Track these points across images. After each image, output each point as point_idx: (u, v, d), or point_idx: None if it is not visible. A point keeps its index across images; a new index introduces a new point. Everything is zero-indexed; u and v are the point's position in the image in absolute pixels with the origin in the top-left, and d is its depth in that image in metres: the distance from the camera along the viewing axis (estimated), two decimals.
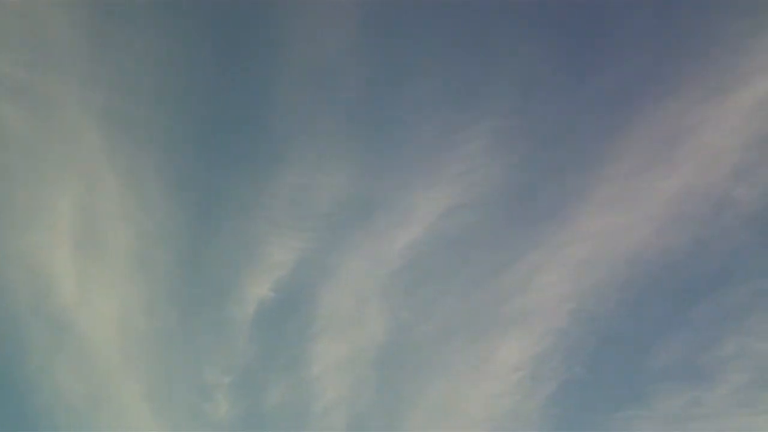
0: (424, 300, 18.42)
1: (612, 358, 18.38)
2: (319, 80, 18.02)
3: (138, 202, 18.01)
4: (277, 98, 18.01)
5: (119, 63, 17.63)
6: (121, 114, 17.84)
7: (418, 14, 17.78)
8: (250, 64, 17.98)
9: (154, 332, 18.21)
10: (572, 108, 18.40)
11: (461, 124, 18.03)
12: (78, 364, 18.00)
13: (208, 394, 18.19)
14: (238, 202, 18.22)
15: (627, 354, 18.40)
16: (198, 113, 18.03)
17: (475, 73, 18.06)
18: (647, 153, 18.31)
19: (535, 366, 18.14)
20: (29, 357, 17.75)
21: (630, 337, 18.42)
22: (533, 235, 18.41)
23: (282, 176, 18.14)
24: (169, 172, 18.05)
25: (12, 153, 17.51)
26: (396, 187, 18.23)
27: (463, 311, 18.30)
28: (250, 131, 18.19)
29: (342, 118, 18.13)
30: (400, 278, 18.35)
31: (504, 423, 17.93)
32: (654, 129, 18.33)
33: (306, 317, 18.33)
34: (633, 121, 18.32)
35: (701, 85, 18.26)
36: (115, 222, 17.90)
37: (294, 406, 18.14)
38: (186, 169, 18.21)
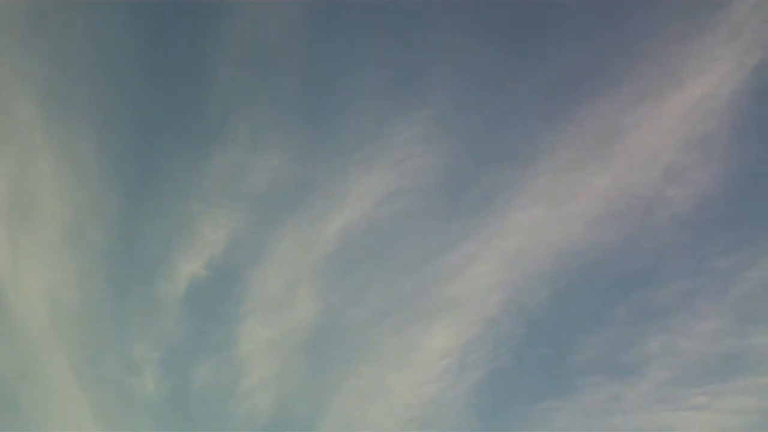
0: (356, 285, 18.56)
1: (538, 350, 18.67)
2: (259, 62, 18.03)
3: (72, 176, 17.95)
4: (216, 78, 17.97)
5: (58, 37, 17.53)
6: (59, 88, 17.75)
7: (360, 1, 17.89)
8: (190, 43, 17.93)
9: (84, 306, 18.21)
10: (509, 101, 18.57)
11: (399, 112, 18.15)
12: (5, 336, 17.97)
13: (136, 370, 18.25)
14: (173, 180, 18.23)
15: (553, 346, 18.69)
16: (137, 90, 17.98)
17: (415, 63, 18.16)
18: (582, 149, 18.55)
19: (463, 354, 18.35)
20: None
21: (557, 329, 18.71)
22: (467, 224, 18.60)
23: (218, 156, 18.18)
24: (105, 147, 18.00)
25: None
26: (332, 172, 18.33)
27: (395, 297, 18.46)
28: (188, 110, 18.17)
29: (280, 101, 18.16)
30: (333, 262, 18.48)
31: (430, 409, 18.16)
32: (589, 126, 18.56)
33: (237, 297, 18.40)
34: (569, 117, 18.54)
35: (639, 85, 18.50)
36: (48, 195, 17.84)
37: (221, 385, 18.25)
38: (122, 145, 18.18)
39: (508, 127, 18.63)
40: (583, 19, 18.42)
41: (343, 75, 18.06)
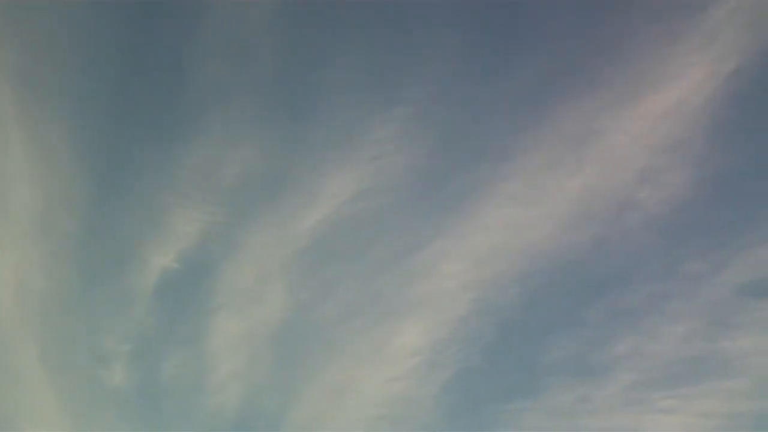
0: (327, 281, 18.57)
1: (508, 350, 18.73)
2: (236, 55, 17.94)
3: (44, 164, 17.86)
4: (191, 72, 17.84)
5: (32, 26, 17.41)
6: (33, 75, 17.61)
7: None
8: (166, 36, 17.84)
9: (53, 296, 18.13)
10: (486, 101, 18.59)
11: (374, 109, 18.14)
12: None
13: (105, 361, 18.19)
14: (147, 171, 18.16)
15: (523, 346, 18.76)
16: (111, 81, 17.85)
17: (391, 60, 18.15)
18: (556, 150, 18.60)
19: (433, 352, 18.40)
20: None
21: (526, 329, 18.79)
22: (440, 223, 18.64)
23: (192, 148, 18.09)
24: (78, 137, 17.88)
25: None
26: (306, 167, 18.31)
27: (366, 294, 18.49)
28: (162, 102, 18.08)
29: (256, 94, 18.11)
30: (305, 257, 18.48)
31: (399, 406, 18.20)
32: (564, 127, 18.62)
33: (207, 291, 18.37)
34: (544, 118, 18.58)
35: (615, 87, 18.56)
36: (19, 182, 17.73)
37: (191, 378, 18.23)
38: (96, 134, 18.07)
39: (484, 127, 18.69)
40: (561, 20, 18.49)
41: (319, 70, 18.05)
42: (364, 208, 18.40)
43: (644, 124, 18.44)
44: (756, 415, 17.16)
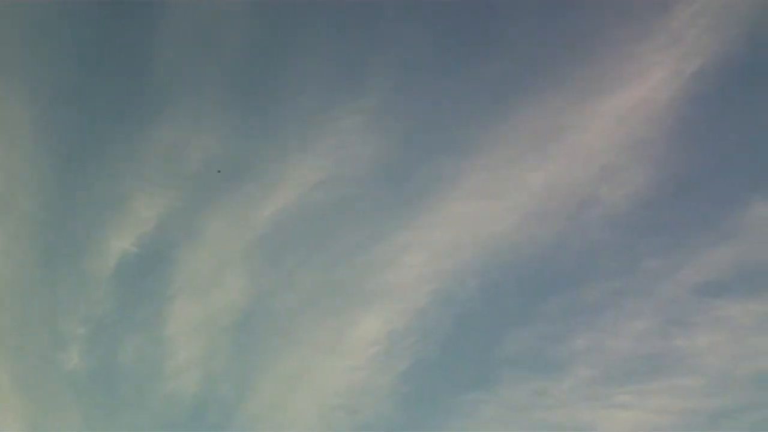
0: (288, 269, 18.55)
1: (466, 342, 18.78)
2: (202, 43, 17.90)
3: (6, 145, 17.75)
4: (158, 58, 17.82)
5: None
6: None
7: None
8: (135, 23, 17.77)
9: (10, 277, 17.99)
10: (451, 95, 18.66)
11: (340, 100, 18.16)
12: None
13: (62, 344, 18.07)
14: (109, 155, 18.08)
15: (481, 339, 18.82)
16: (76, 64, 17.77)
17: (359, 51, 18.15)
18: (520, 145, 18.70)
19: (391, 343, 18.40)
20: None
21: (485, 323, 18.84)
22: (401, 215, 18.68)
23: (155, 133, 18.06)
24: (40, 119, 17.77)
25: None
26: (269, 155, 18.30)
27: (325, 284, 18.49)
28: (128, 86, 18.01)
29: (221, 82, 18.07)
30: (265, 245, 18.46)
31: (356, 396, 18.18)
32: (529, 123, 18.71)
33: (166, 275, 18.30)
34: (509, 113, 18.67)
35: (579, 85, 18.68)
36: None
37: (147, 363, 18.14)
38: (60, 117, 17.95)
39: (448, 120, 18.75)
40: (528, 18, 18.59)
41: (285, 60, 18.05)
42: (327, 197, 18.45)
43: (607, 122, 18.59)
44: (710, 412, 17.35)
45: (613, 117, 18.58)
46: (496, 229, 18.63)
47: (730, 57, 18.50)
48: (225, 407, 17.91)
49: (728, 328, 18.08)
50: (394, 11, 18.23)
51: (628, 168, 18.73)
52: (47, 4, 17.28)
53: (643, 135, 18.66)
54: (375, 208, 18.73)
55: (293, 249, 18.56)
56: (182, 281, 18.24)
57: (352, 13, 18.10)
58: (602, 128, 18.62)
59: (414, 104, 18.59)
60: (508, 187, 18.67)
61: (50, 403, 17.73)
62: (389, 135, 18.54)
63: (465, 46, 18.64)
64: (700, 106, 18.85)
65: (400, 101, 18.50)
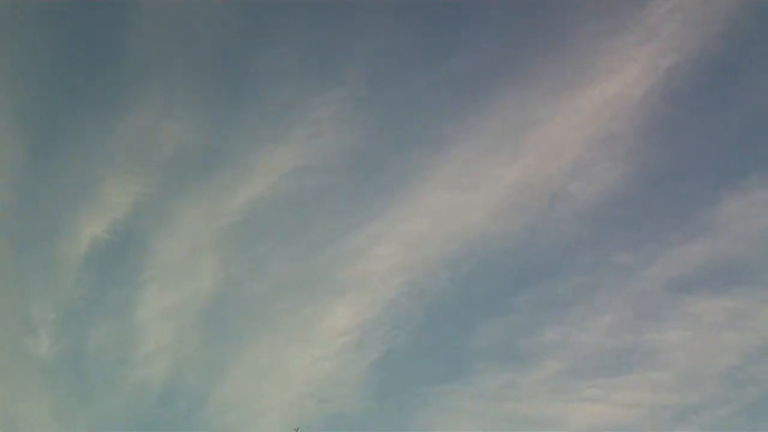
0: (259, 258, 18.57)
1: (437, 333, 18.87)
2: (177, 29, 17.88)
3: None
4: (132, 43, 17.79)
5: None
6: None
7: None
8: (109, 7, 17.72)
9: None
10: (425, 87, 18.71)
11: (314, 89, 18.18)
12: None
13: (32, 329, 18.01)
14: (82, 140, 18.02)
15: (452, 330, 18.92)
16: (48, 48, 17.70)
17: (333, 42, 18.19)
18: (493, 139, 18.76)
19: (363, 333, 18.42)
20: None
21: (456, 314, 18.92)
22: (373, 206, 18.73)
23: (128, 119, 18.01)
24: (14, 104, 17.70)
25: None
26: (242, 142, 18.29)
27: (297, 273, 18.51)
28: (101, 72, 17.95)
29: (195, 69, 18.05)
30: (237, 233, 18.46)
31: (327, 385, 18.20)
32: (502, 117, 18.77)
33: (137, 262, 18.28)
34: (482, 107, 18.73)
35: (553, 78, 18.75)
36: None
37: (117, 349, 18.11)
38: (32, 103, 17.87)
39: (422, 112, 18.80)
40: (504, 10, 18.67)
41: (259, 49, 18.06)
42: (299, 186, 18.47)
43: (581, 117, 18.67)
44: (679, 407, 17.48)
45: (587, 112, 18.67)
46: (468, 222, 18.72)
47: (705, 53, 18.63)
48: (195, 394, 17.93)
49: (698, 324, 18.25)
50: (369, 2, 18.23)
51: (601, 163, 18.83)
52: None
53: (616, 130, 18.76)
54: (347, 198, 18.79)
55: (265, 238, 18.60)
56: (154, 268, 18.24)
57: (326, 2, 18.11)
58: (575, 123, 18.72)
59: (388, 95, 18.65)
60: (481, 180, 18.76)
61: (20, 388, 17.71)
62: (362, 125, 18.59)
63: (440, 38, 18.70)
64: (674, 102, 18.96)
65: (373, 92, 18.55)
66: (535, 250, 18.82)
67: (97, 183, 18.02)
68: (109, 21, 17.71)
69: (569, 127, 18.51)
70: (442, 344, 18.84)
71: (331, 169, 18.38)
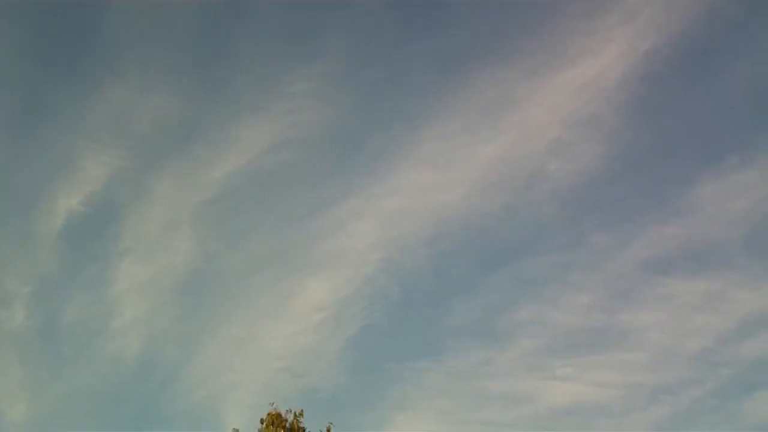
0: (236, 232, 18.53)
1: (413, 310, 18.94)
2: (155, 3, 17.83)
3: None
4: (110, 14, 17.76)
5: None
6: None
7: None
8: None
9: None
10: (404, 62, 18.76)
11: (294, 63, 18.17)
12: None
13: (6, 302, 17.83)
14: (57, 113, 17.92)
15: (428, 307, 18.98)
16: (24, 18, 17.59)
17: (313, 14, 18.20)
18: (471, 117, 18.81)
19: (339, 309, 18.39)
20: None
21: (432, 291, 19.01)
22: (351, 182, 18.76)
23: (105, 92, 17.88)
24: None
25: None
26: (221, 117, 18.24)
27: (274, 248, 18.49)
28: (79, 43, 17.83)
29: (174, 42, 17.97)
30: (214, 208, 18.41)
31: (302, 360, 18.16)
32: (481, 95, 18.83)
33: (114, 235, 18.16)
34: (462, 85, 18.80)
35: (533, 58, 18.83)
36: None
37: (92, 322, 17.97)
38: (7, 74, 17.78)
39: (401, 89, 18.85)
40: None
41: (238, 22, 18.02)
42: (277, 161, 18.45)
43: (560, 97, 18.75)
44: (651, 387, 17.61)
45: (565, 92, 18.77)
46: (445, 200, 18.80)
47: (684, 36, 18.79)
48: (169, 368, 17.85)
49: (672, 305, 18.43)
50: None
51: (579, 143, 18.95)
52: None
53: (594, 111, 18.88)
54: (325, 174, 18.81)
55: (242, 212, 18.59)
56: (130, 241, 18.16)
57: None
58: (554, 103, 18.80)
59: (367, 72, 18.67)
60: (459, 158, 18.82)
61: None
62: (342, 101, 18.61)
63: (420, 16, 18.71)
64: (652, 85, 19.10)
65: (353, 68, 18.58)
66: (512, 229, 18.96)
67: (74, 156, 17.93)
68: None
69: (548, 106, 18.62)
70: (418, 321, 18.97)
71: (309, 144, 18.40)
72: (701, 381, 17.41)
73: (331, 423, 9.65)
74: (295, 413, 9.68)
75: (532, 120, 18.72)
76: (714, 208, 18.92)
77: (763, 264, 18.41)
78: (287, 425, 9.61)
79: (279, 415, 9.66)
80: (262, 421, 9.66)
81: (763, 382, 17.00)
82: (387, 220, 18.68)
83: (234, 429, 9.62)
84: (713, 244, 18.92)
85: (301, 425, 9.66)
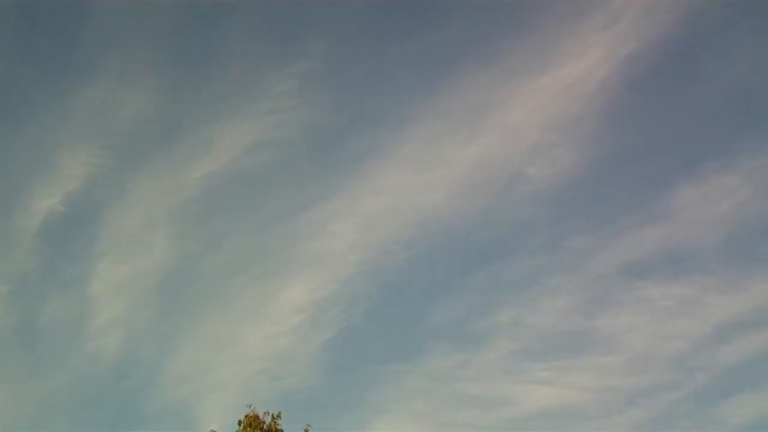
0: (215, 233, 18.49)
1: (392, 312, 18.97)
2: (136, 1, 17.75)
3: None
4: (91, 12, 17.65)
5: None
6: None
7: None
8: None
9: None
10: (387, 63, 18.79)
11: (274, 63, 18.15)
12: None
13: None
14: (36, 110, 17.76)
15: (406, 310, 19.03)
16: (7, 18, 17.48)
17: (294, 14, 18.18)
18: (453, 119, 18.86)
19: (318, 310, 18.39)
20: None
21: (411, 294, 19.05)
22: (332, 182, 18.75)
23: (85, 89, 17.80)
24: None
25: None
26: (201, 117, 18.20)
27: (253, 249, 18.47)
28: (58, 40, 17.75)
29: (155, 41, 17.94)
30: (194, 208, 18.37)
31: (280, 362, 18.15)
32: (463, 97, 18.87)
33: (93, 234, 18.09)
34: (444, 87, 18.83)
35: (515, 61, 18.89)
36: None
37: (70, 322, 17.88)
38: None
39: (383, 90, 18.86)
40: None
41: (219, 21, 17.94)
42: (257, 162, 18.41)
43: (540, 100, 18.83)
44: (628, 390, 17.71)
45: (546, 95, 18.86)
46: (425, 201, 18.84)
47: (664, 41, 18.95)
48: (147, 368, 17.77)
49: (650, 309, 18.55)
50: None
51: (559, 146, 19.06)
52: None
53: (574, 114, 18.99)
54: (306, 174, 18.80)
55: (222, 213, 18.54)
56: (109, 241, 18.08)
57: None
58: (534, 106, 18.89)
59: (349, 72, 18.68)
60: (439, 160, 18.87)
61: None
62: (323, 102, 18.62)
63: (403, 17, 18.75)
64: (632, 89, 19.24)
65: (335, 68, 18.59)
66: (491, 231, 19.03)
67: (53, 154, 17.82)
68: None
69: (529, 109, 18.70)
70: (396, 323, 19.00)
71: (290, 145, 18.39)
72: (678, 385, 17.57)
73: (309, 425, 9.66)
74: (273, 415, 9.67)
75: (513, 123, 18.83)
76: (693, 213, 19.11)
77: (740, 269, 18.63)
78: (265, 427, 9.60)
79: (257, 416, 9.65)
80: (239, 423, 9.64)
81: (739, 387, 17.20)
82: (367, 221, 18.73)
83: (211, 430, 9.61)
84: (691, 248, 19.11)
85: (279, 427, 9.66)
